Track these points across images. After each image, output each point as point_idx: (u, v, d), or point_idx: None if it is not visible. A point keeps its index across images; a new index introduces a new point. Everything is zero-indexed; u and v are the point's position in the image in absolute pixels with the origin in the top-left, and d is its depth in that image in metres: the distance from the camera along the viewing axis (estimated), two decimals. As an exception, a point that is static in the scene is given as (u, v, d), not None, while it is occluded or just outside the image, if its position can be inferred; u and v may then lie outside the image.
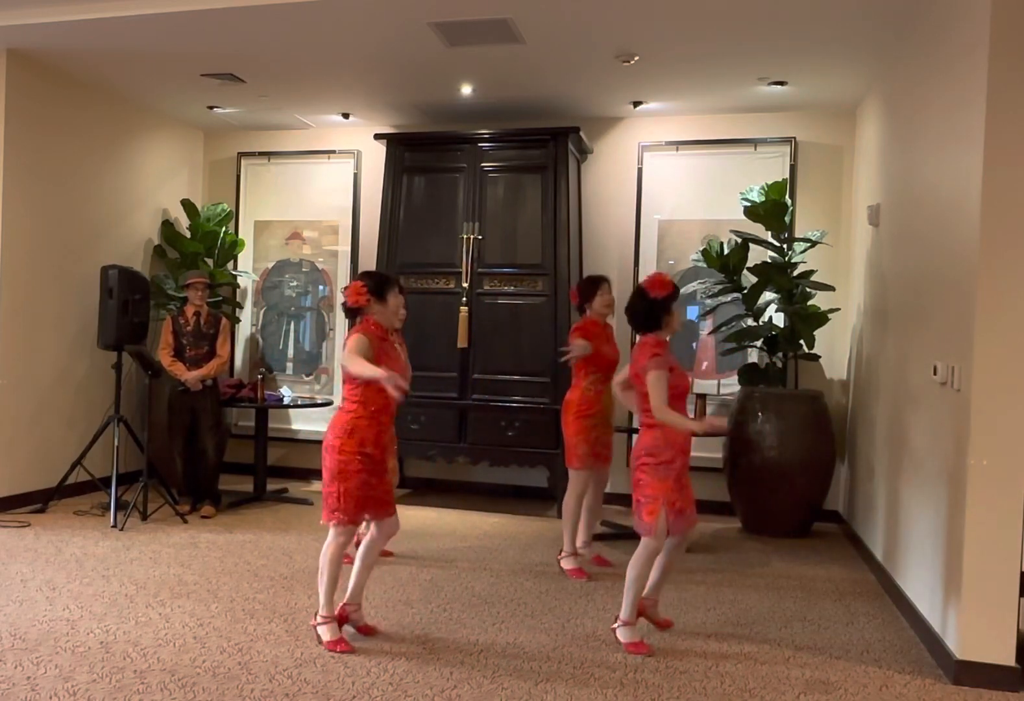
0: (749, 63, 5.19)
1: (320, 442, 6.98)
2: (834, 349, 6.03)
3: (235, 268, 7.18)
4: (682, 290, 6.10)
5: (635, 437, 6.01)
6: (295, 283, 7.20)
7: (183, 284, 5.89)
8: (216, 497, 5.83)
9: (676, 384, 3.53)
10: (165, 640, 3.44)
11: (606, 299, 4.57)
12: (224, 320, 5.94)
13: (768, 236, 5.71)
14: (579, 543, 4.65)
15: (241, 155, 7.26)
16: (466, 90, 5.91)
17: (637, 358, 3.59)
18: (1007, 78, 3.20)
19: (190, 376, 5.65)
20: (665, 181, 6.37)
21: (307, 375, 7.09)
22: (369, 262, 6.63)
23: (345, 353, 3.35)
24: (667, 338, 3.67)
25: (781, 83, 5.52)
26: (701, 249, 5.92)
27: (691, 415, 4.02)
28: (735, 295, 5.83)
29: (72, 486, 5.76)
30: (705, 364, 6.27)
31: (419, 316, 5.79)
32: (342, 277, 7.03)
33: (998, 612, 3.19)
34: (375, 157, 6.73)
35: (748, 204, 5.68)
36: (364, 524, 3.55)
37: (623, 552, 5.03)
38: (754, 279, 5.66)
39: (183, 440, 5.78)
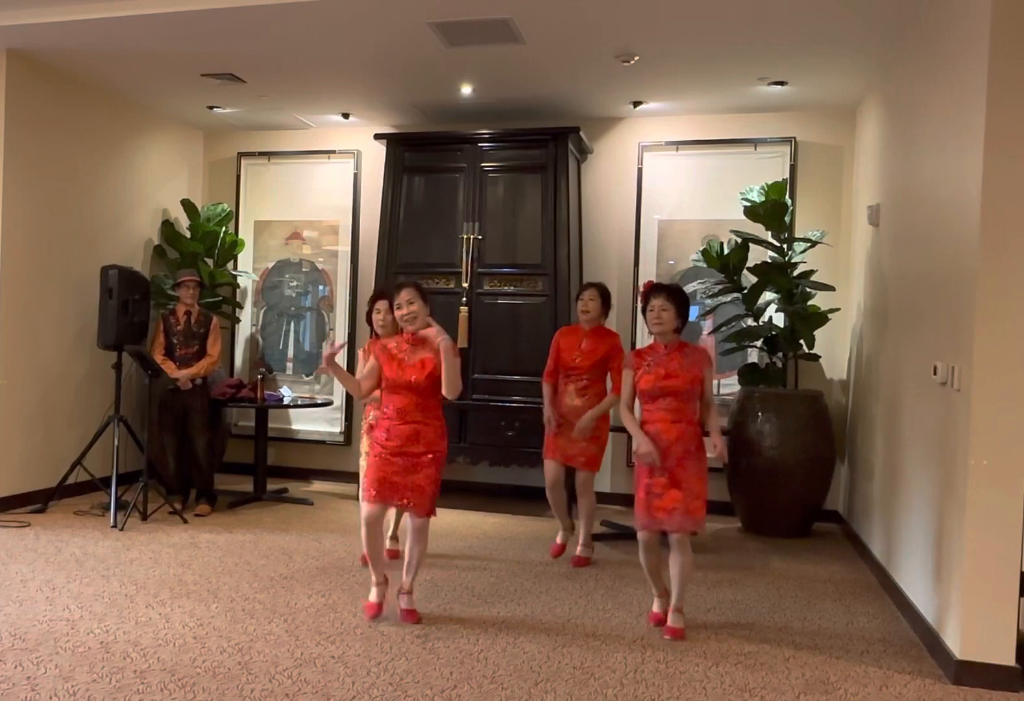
0: (749, 63, 5.19)
1: (320, 442, 6.97)
2: (834, 349, 6.03)
3: (235, 268, 7.18)
4: (682, 290, 6.19)
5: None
6: (295, 283, 7.19)
7: (174, 283, 5.91)
8: (212, 496, 5.84)
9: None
10: (165, 640, 3.43)
11: (579, 305, 4.78)
12: (215, 319, 5.94)
13: (768, 236, 5.71)
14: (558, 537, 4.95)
15: (241, 155, 7.26)
16: (466, 90, 5.91)
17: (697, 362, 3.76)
18: (1007, 78, 3.20)
19: (179, 375, 5.66)
20: (665, 181, 6.36)
21: (307, 375, 7.09)
22: (369, 262, 6.63)
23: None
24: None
25: (781, 83, 5.52)
26: (701, 249, 5.92)
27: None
28: (735, 295, 5.83)
29: (72, 486, 5.76)
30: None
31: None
32: (342, 277, 7.03)
33: (998, 612, 3.19)
34: (375, 157, 6.73)
35: (748, 204, 5.67)
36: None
37: (623, 552, 5.05)
38: (754, 279, 5.66)
39: (174, 438, 5.80)
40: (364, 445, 4.60)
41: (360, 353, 4.70)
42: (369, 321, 4.61)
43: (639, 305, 3.96)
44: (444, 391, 3.66)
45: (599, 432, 4.76)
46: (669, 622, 3.70)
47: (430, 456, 3.69)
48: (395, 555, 4.71)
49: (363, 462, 4.57)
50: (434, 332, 3.71)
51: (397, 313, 3.75)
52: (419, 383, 3.67)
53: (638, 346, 6.31)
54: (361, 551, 4.72)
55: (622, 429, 5.81)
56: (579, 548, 4.81)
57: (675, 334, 3.77)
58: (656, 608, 3.84)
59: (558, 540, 4.93)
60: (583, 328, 4.78)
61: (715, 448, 3.75)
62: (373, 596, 3.79)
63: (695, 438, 3.70)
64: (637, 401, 3.84)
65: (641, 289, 3.97)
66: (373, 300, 4.60)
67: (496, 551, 5.02)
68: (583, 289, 4.85)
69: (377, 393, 4.41)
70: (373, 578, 3.81)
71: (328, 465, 7.01)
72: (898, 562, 4.24)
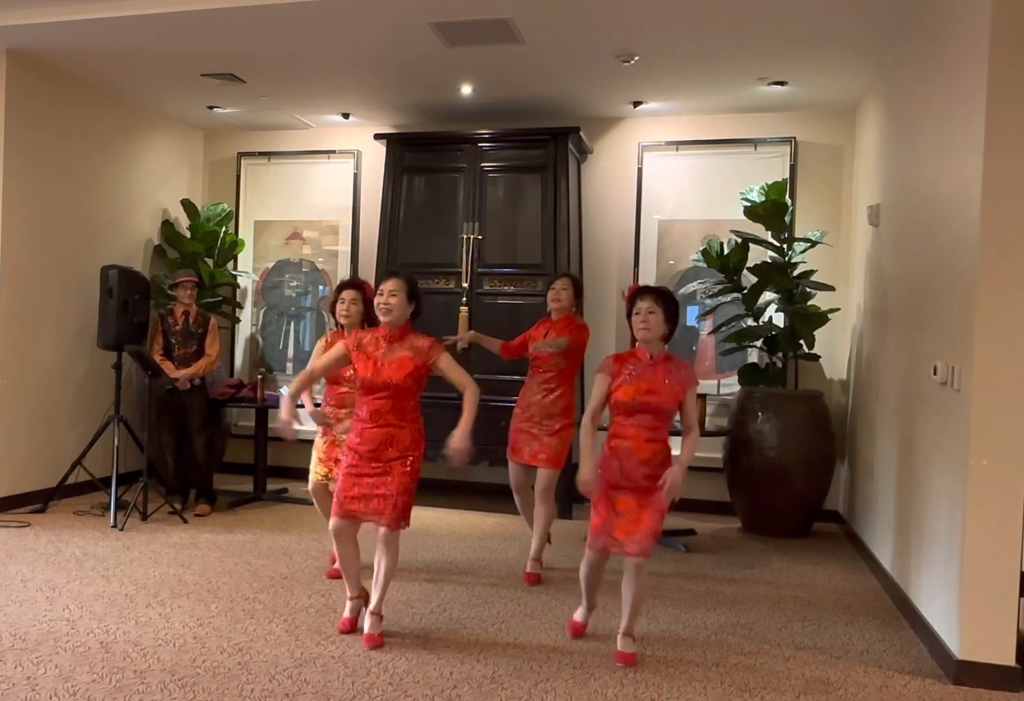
0: (749, 63, 5.19)
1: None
2: (834, 349, 6.03)
3: (235, 268, 7.18)
4: (682, 290, 6.19)
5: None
6: (295, 283, 7.20)
7: (172, 283, 5.91)
8: (211, 496, 5.84)
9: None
10: (165, 640, 3.43)
11: (551, 295, 4.55)
12: (213, 319, 5.94)
13: (768, 236, 5.71)
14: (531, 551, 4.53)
15: (241, 155, 7.26)
16: (466, 90, 5.91)
17: (685, 376, 3.41)
18: (1007, 78, 3.20)
19: (178, 375, 5.66)
20: (665, 181, 6.37)
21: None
22: (369, 262, 6.63)
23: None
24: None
25: (781, 83, 5.52)
26: (701, 249, 5.92)
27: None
28: (735, 295, 5.83)
29: (72, 486, 5.76)
30: (705, 364, 6.28)
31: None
32: (342, 277, 7.02)
33: (998, 612, 3.19)
34: (375, 157, 6.74)
35: (748, 204, 5.67)
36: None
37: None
38: (754, 279, 5.66)
39: (173, 438, 5.80)
40: (318, 450, 4.42)
41: (320, 343, 4.49)
42: (333, 311, 4.44)
43: (626, 309, 3.55)
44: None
45: (563, 426, 4.48)
46: (620, 646, 3.38)
47: (405, 462, 3.44)
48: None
49: (316, 469, 4.39)
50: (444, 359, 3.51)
51: (376, 299, 3.53)
52: (396, 384, 3.42)
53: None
54: (328, 566, 4.49)
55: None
56: (529, 563, 4.46)
57: (662, 343, 3.44)
58: (578, 617, 3.62)
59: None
60: (552, 320, 4.57)
61: (665, 481, 3.23)
62: (347, 611, 3.62)
63: (667, 458, 3.37)
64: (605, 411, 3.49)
65: (625, 293, 3.56)
66: (339, 289, 4.46)
67: (496, 551, 5.02)
68: (555, 279, 4.62)
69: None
70: (348, 592, 3.63)
71: (328, 465, 6.99)
72: (898, 562, 4.24)
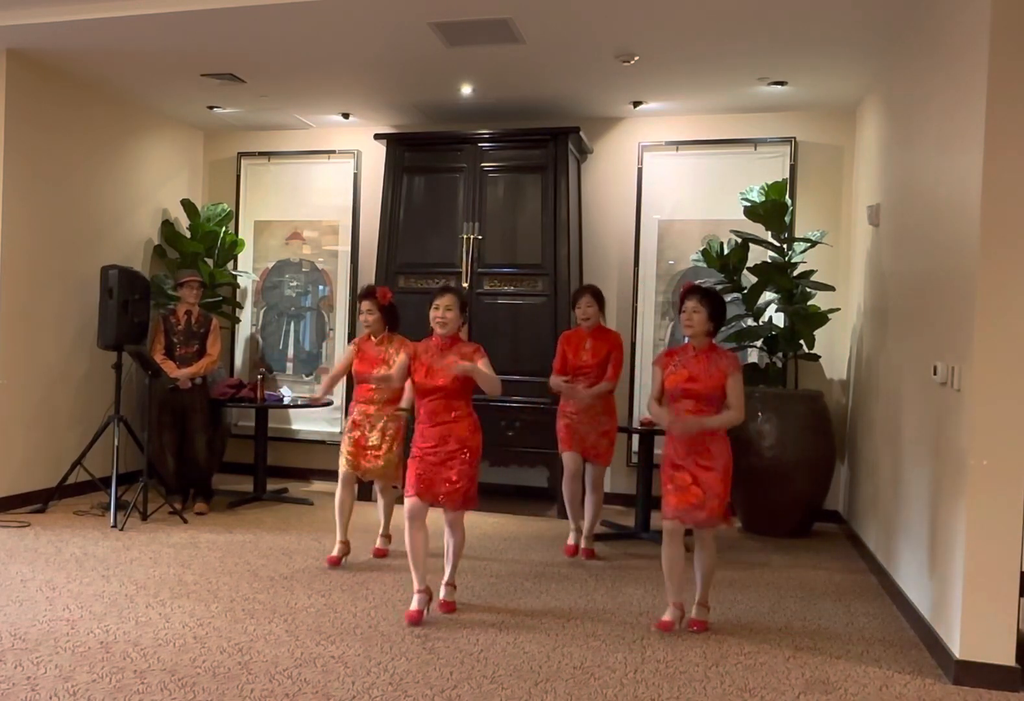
0: (749, 63, 5.19)
1: (320, 442, 7.02)
2: (834, 349, 6.03)
3: (235, 268, 7.17)
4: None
5: (635, 438, 6.03)
6: (295, 283, 7.20)
7: (177, 283, 5.92)
8: (208, 493, 5.85)
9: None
10: (165, 640, 3.44)
11: (579, 313, 4.95)
12: (214, 320, 5.96)
13: (768, 236, 5.71)
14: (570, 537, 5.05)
15: (241, 155, 7.26)
16: (466, 90, 5.91)
17: (723, 366, 3.75)
18: (1007, 78, 3.20)
19: (179, 374, 5.67)
20: (665, 181, 6.36)
21: (307, 375, 7.08)
22: (369, 262, 6.63)
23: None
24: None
25: (781, 83, 5.52)
26: (701, 249, 5.91)
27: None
28: (735, 295, 5.82)
29: (72, 486, 5.75)
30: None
31: (419, 317, 5.78)
32: (342, 277, 7.03)
33: (998, 612, 3.19)
34: (375, 157, 6.73)
35: (748, 204, 5.67)
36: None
37: (623, 552, 5.05)
38: (754, 279, 5.66)
39: (173, 438, 5.81)
40: (345, 444, 4.69)
41: (351, 347, 4.86)
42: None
43: (677, 305, 4.01)
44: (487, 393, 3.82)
45: (610, 427, 4.94)
46: (694, 614, 3.80)
47: (464, 452, 3.80)
48: (383, 554, 4.82)
49: (343, 460, 4.68)
50: (471, 363, 3.79)
51: (432, 313, 3.86)
52: (445, 386, 3.79)
53: (636, 346, 6.33)
54: (327, 554, 4.68)
55: (624, 429, 5.81)
56: (586, 541, 4.95)
57: (707, 337, 3.80)
58: (668, 616, 3.76)
59: (570, 541, 5.00)
60: (584, 331, 4.95)
61: (679, 420, 3.70)
62: (414, 604, 3.76)
63: (717, 440, 3.73)
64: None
65: (680, 290, 3.99)
66: (358, 300, 4.85)
67: (496, 551, 5.02)
68: (578, 296, 4.98)
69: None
70: (415, 585, 3.80)
71: (328, 465, 6.98)
72: (898, 562, 4.24)
